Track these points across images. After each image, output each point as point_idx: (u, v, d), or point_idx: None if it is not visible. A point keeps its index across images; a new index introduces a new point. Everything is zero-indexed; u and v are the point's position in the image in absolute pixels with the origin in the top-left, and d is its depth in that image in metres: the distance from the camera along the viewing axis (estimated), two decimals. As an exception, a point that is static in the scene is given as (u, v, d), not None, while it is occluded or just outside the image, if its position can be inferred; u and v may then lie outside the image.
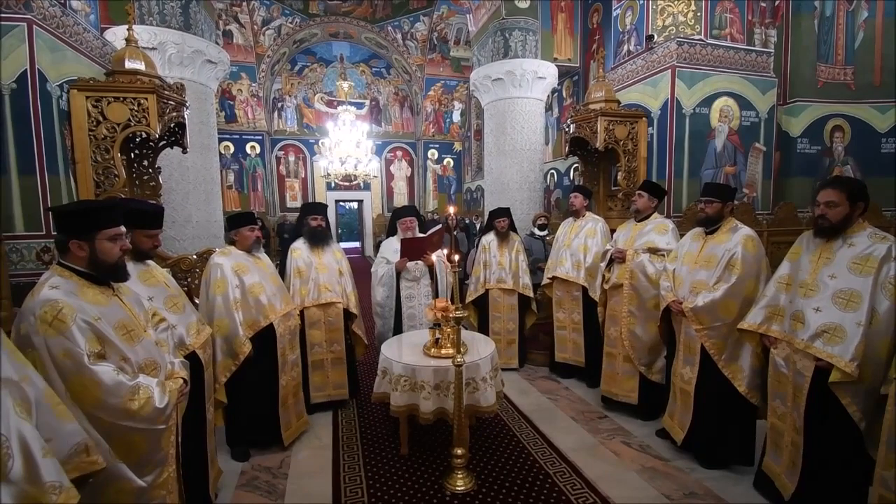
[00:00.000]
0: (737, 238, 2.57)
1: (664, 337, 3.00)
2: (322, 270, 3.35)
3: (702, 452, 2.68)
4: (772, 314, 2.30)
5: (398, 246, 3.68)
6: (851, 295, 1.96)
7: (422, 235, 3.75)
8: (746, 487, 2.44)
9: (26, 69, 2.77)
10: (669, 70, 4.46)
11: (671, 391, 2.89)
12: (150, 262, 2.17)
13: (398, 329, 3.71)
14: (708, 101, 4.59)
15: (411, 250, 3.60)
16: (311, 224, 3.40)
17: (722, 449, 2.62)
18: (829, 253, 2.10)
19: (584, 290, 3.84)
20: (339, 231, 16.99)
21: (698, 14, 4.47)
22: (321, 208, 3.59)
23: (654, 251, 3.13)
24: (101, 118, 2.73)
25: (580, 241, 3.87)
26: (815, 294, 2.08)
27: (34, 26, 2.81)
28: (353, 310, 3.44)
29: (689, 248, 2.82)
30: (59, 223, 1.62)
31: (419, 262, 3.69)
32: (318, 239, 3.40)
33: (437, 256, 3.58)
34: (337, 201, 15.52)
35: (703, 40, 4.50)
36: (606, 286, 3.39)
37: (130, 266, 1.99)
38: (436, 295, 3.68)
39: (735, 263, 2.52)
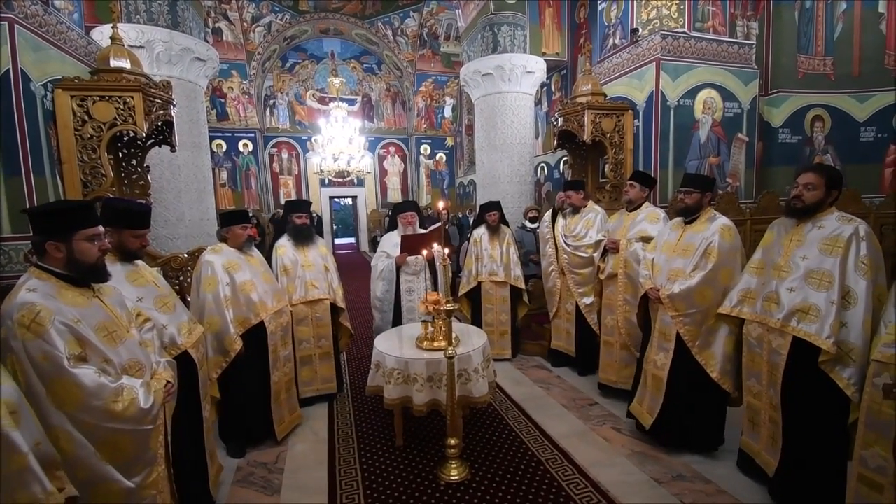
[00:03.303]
0: (714, 227, 2.62)
1: (641, 324, 3.04)
2: (308, 268, 3.37)
3: (670, 437, 2.72)
4: (744, 297, 2.38)
5: (398, 240, 3.73)
6: (823, 275, 2.03)
7: (422, 232, 3.78)
8: (732, 469, 2.51)
9: (9, 69, 2.75)
10: (654, 63, 4.52)
11: (641, 377, 2.91)
12: (138, 261, 2.16)
13: (397, 322, 3.75)
14: (692, 92, 4.66)
15: (411, 246, 3.64)
16: (295, 222, 3.41)
17: (689, 434, 2.67)
18: (800, 235, 2.18)
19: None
20: (334, 227, 16.97)
21: (682, 7, 4.51)
22: (305, 205, 3.60)
23: (646, 240, 3.16)
24: (86, 117, 2.72)
25: (577, 232, 3.83)
26: (789, 275, 2.15)
27: (15, 25, 2.79)
28: (340, 304, 3.49)
29: (668, 237, 2.86)
30: (35, 224, 1.59)
31: (419, 256, 3.73)
32: (304, 237, 3.41)
33: (436, 251, 3.61)
34: (331, 197, 15.50)
35: (686, 33, 4.55)
36: (602, 276, 3.44)
37: (118, 266, 1.99)
38: (435, 289, 3.73)
39: (711, 252, 2.56)
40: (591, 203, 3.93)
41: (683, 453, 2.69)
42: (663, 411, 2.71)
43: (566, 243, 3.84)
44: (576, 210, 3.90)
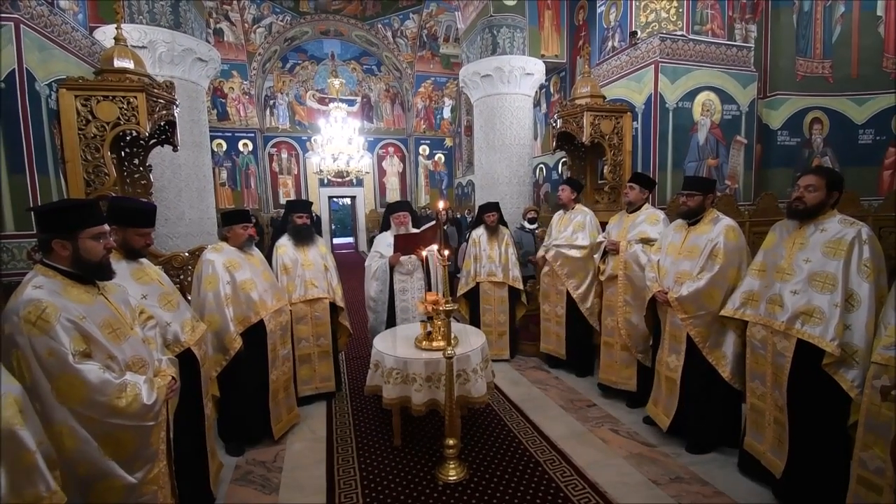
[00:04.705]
0: (718, 228, 2.64)
1: (650, 326, 3.07)
2: (308, 267, 3.39)
3: (688, 437, 2.75)
4: (746, 299, 2.38)
5: (391, 240, 3.73)
6: (826, 277, 2.04)
7: (416, 231, 3.79)
8: (731, 471, 2.52)
9: (14, 68, 2.77)
10: (653, 65, 4.55)
11: (655, 379, 2.95)
12: (143, 259, 2.17)
13: (391, 322, 3.76)
14: (690, 95, 4.69)
15: (404, 245, 3.65)
16: (296, 222, 3.43)
17: (708, 433, 2.70)
18: (803, 238, 2.19)
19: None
20: (333, 227, 16.99)
21: (680, 10, 4.55)
22: (306, 206, 3.61)
23: (646, 241, 3.19)
24: (90, 117, 2.73)
25: (567, 234, 3.90)
26: (792, 277, 2.16)
27: (21, 25, 2.82)
28: (340, 303, 3.50)
29: (673, 239, 2.88)
30: (41, 222, 1.60)
31: (412, 255, 3.73)
32: (304, 237, 3.43)
33: (430, 251, 3.64)
34: (330, 197, 15.53)
35: (685, 36, 4.59)
36: (602, 277, 3.46)
37: (123, 264, 2.00)
38: (429, 288, 3.74)
39: (717, 253, 2.58)
40: (579, 206, 3.99)
41: (684, 455, 2.70)
42: (679, 412, 2.73)
43: (559, 246, 3.89)
44: (564, 209, 3.99)
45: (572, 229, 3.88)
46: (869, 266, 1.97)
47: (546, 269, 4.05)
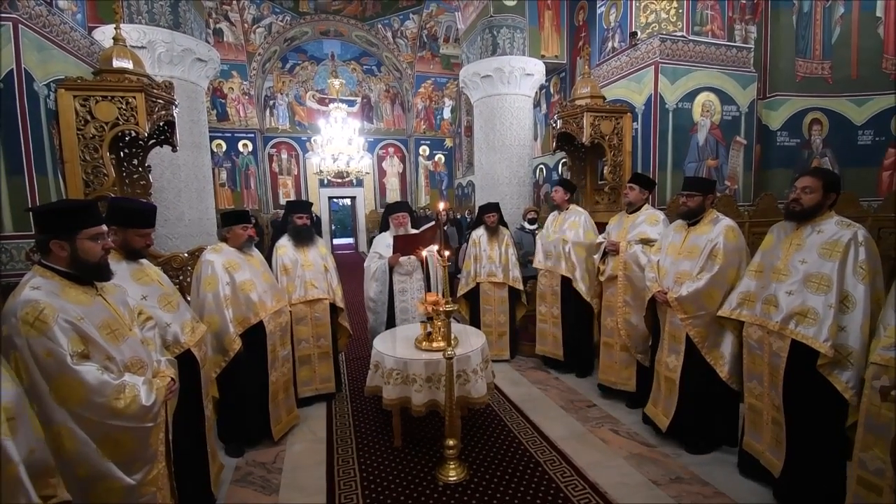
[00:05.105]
0: (718, 229, 2.64)
1: (649, 326, 3.07)
2: (308, 267, 3.38)
3: (687, 438, 2.75)
4: (743, 300, 2.40)
5: (391, 241, 3.72)
6: (822, 279, 2.05)
7: (415, 232, 3.78)
8: (731, 471, 2.52)
9: (12, 69, 2.77)
10: (653, 66, 4.56)
11: (655, 380, 2.95)
12: (143, 260, 2.17)
13: (391, 323, 3.75)
14: (690, 96, 4.70)
15: (403, 246, 3.65)
16: (296, 222, 3.43)
17: (708, 433, 2.70)
18: (800, 240, 2.20)
19: (564, 285, 3.91)
20: (333, 227, 17.00)
21: (680, 11, 4.56)
22: (306, 206, 3.61)
23: (646, 242, 3.19)
24: (89, 117, 2.73)
25: (561, 234, 3.92)
26: (788, 278, 2.17)
27: (20, 25, 2.81)
28: (339, 304, 3.50)
29: (673, 239, 2.88)
30: (39, 223, 1.60)
31: (412, 256, 3.73)
32: (304, 237, 3.43)
33: (429, 251, 3.63)
34: (330, 198, 15.54)
35: (685, 37, 4.60)
36: (602, 278, 3.46)
37: (123, 265, 2.00)
38: (428, 289, 3.73)
39: (717, 253, 2.59)
40: (573, 206, 4.02)
41: (684, 455, 2.70)
42: (678, 413, 2.73)
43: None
44: (558, 210, 4.03)
45: (566, 228, 3.91)
46: (864, 268, 1.97)
47: (542, 269, 4.07)
